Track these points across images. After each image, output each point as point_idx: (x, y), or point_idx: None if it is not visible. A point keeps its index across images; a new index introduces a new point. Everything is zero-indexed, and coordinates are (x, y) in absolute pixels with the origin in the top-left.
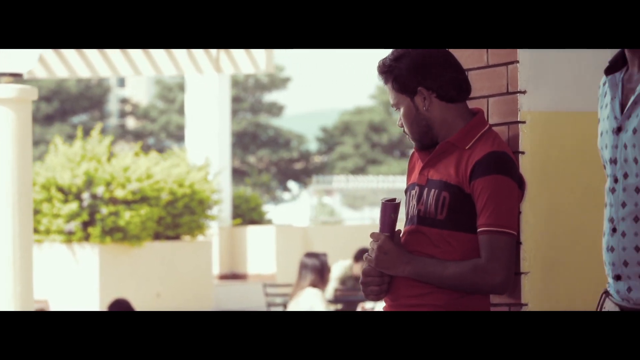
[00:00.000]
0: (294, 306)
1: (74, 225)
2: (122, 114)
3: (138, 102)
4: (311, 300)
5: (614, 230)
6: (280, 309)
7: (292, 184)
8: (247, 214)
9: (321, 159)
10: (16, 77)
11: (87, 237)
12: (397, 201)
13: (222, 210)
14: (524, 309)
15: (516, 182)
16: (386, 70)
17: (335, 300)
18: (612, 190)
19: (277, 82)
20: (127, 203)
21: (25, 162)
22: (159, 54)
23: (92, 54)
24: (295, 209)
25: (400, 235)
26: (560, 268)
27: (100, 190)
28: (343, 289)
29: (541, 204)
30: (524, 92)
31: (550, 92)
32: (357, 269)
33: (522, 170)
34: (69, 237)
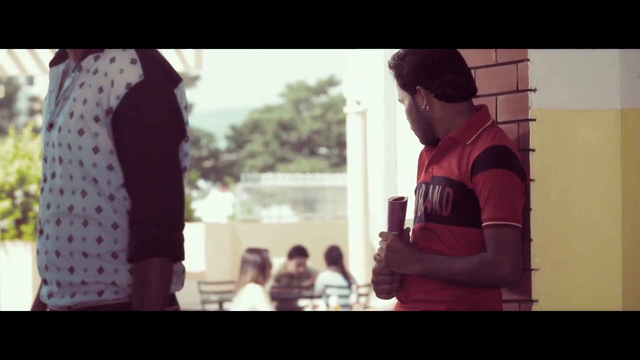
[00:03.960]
0: (237, 303)
1: (7, 223)
2: (32, 113)
3: None
4: (253, 296)
5: (40, 232)
6: (216, 306)
7: (201, 182)
8: None
9: (230, 157)
10: None
11: (19, 235)
12: (404, 200)
13: None
14: (535, 305)
15: (518, 175)
16: (393, 67)
17: (270, 298)
18: (42, 190)
19: (186, 80)
20: None
21: None
22: None
23: (20, 51)
24: (205, 207)
25: (409, 233)
26: (571, 264)
27: (33, 188)
28: (278, 286)
29: (551, 201)
30: (534, 90)
31: (560, 89)
32: (291, 267)
33: (532, 167)
34: (1, 235)
